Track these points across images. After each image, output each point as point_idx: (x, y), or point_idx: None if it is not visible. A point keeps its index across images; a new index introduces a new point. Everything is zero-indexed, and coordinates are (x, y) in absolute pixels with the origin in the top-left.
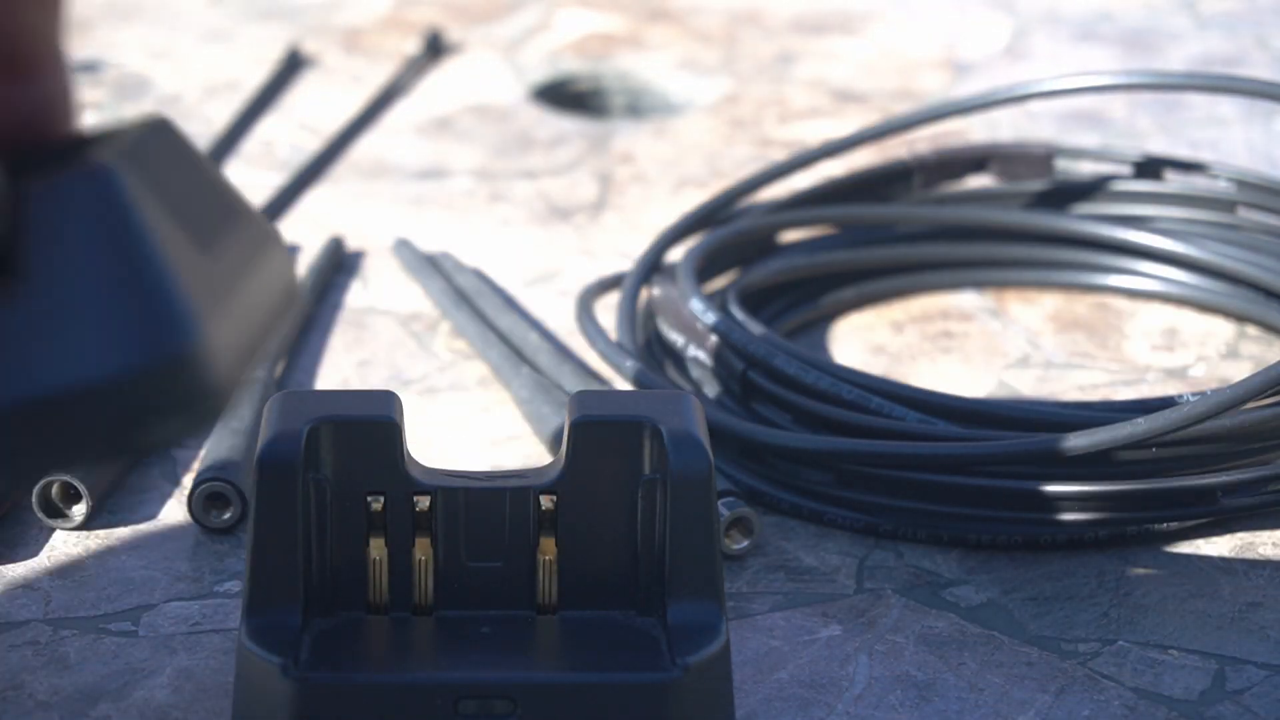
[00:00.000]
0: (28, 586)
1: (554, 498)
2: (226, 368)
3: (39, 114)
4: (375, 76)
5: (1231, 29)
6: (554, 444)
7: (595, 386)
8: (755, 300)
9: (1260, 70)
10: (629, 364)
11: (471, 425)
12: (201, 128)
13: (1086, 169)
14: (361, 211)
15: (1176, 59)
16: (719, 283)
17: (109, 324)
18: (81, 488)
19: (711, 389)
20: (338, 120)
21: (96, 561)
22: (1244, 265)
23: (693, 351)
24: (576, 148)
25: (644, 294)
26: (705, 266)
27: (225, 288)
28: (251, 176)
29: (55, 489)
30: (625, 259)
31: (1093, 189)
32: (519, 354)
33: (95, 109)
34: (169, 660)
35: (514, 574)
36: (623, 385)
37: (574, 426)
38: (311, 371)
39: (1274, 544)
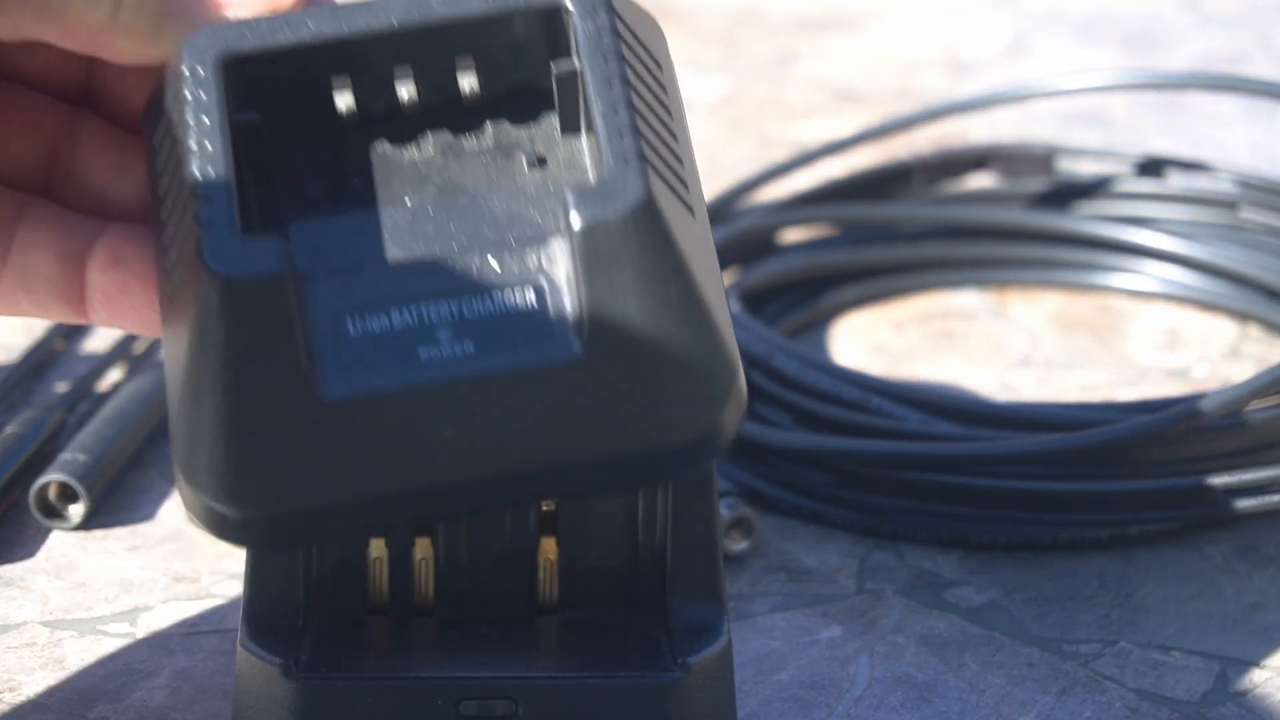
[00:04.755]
0: (25, 587)
1: (554, 499)
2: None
3: None
4: None
5: (1234, 28)
6: None
7: None
8: (755, 300)
9: (1263, 69)
10: None
11: None
12: None
13: (1088, 168)
14: None
15: (1178, 58)
16: None
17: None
18: (79, 488)
19: None
20: None
21: (94, 562)
22: (1246, 265)
23: None
24: None
25: None
26: None
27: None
28: None
29: (53, 489)
30: None
31: (1094, 188)
32: None
33: None
34: (167, 661)
35: (515, 575)
36: None
37: None
38: None
39: (1277, 545)
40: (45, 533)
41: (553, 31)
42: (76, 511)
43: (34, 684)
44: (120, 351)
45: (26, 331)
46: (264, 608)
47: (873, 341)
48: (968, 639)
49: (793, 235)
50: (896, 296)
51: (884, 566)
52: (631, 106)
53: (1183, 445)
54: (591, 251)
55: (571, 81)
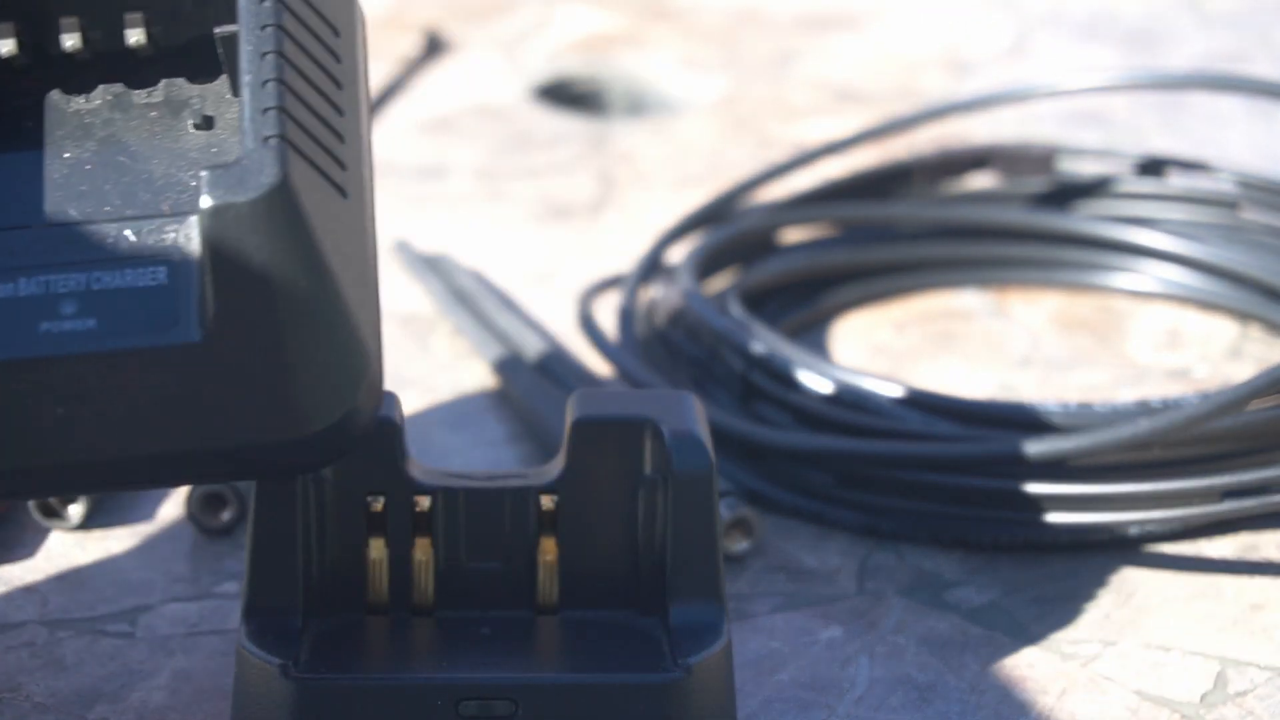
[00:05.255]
0: (24, 588)
1: (554, 498)
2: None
3: None
4: (374, 75)
5: (1234, 27)
6: (554, 444)
7: (595, 387)
8: (755, 300)
9: (1264, 69)
10: (629, 364)
11: (471, 425)
12: None
13: (1089, 168)
14: None
15: (1180, 58)
16: (719, 283)
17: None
18: None
19: (711, 389)
20: None
21: (93, 562)
22: (1247, 265)
23: (693, 352)
24: (576, 147)
25: (644, 294)
26: (705, 266)
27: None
28: None
29: None
30: (625, 259)
31: (1095, 188)
32: (519, 354)
33: None
34: (167, 662)
35: (514, 574)
36: (623, 385)
37: (574, 426)
38: None
39: (1277, 545)
40: (45, 533)
41: None
42: (76, 511)
43: (34, 684)
44: None
45: None
46: (264, 608)
47: (873, 341)
48: (968, 639)
49: (793, 235)
50: (896, 296)
51: (884, 566)
52: (281, 82)
53: (1183, 445)
54: (218, 235)
55: (233, 45)
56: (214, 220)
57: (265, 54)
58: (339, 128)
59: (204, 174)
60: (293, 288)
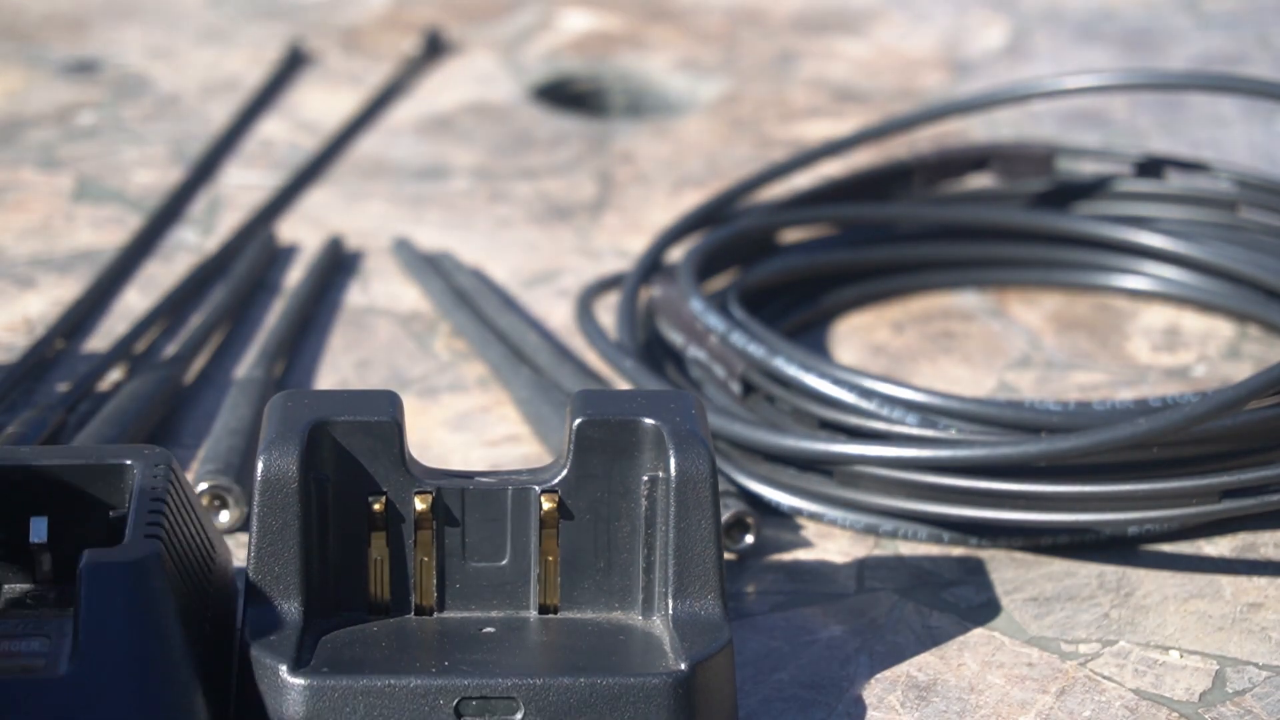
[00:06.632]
0: None
1: (556, 497)
2: None
3: None
4: (374, 76)
5: (1233, 28)
6: (554, 444)
7: (595, 386)
8: (755, 300)
9: (1262, 69)
10: (629, 364)
11: (471, 425)
12: (200, 127)
13: (1088, 168)
14: (360, 211)
15: (1178, 58)
16: (719, 283)
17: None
18: None
19: (711, 389)
20: (337, 119)
21: None
22: (1245, 265)
23: (693, 351)
24: (576, 148)
25: (644, 294)
26: (705, 266)
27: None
28: (250, 176)
29: None
30: (625, 259)
31: (1094, 188)
32: (519, 354)
33: (94, 108)
34: None
35: (516, 574)
36: (623, 385)
37: (575, 427)
38: (311, 371)
39: (1275, 544)
40: None
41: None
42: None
43: None
44: (120, 351)
45: (27, 331)
46: (266, 608)
47: (873, 341)
48: (967, 638)
49: (793, 235)
50: (896, 296)
51: (884, 566)
52: (162, 514)
53: (1181, 445)
54: (93, 589)
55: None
56: (91, 574)
57: (154, 499)
58: (208, 563)
59: (86, 552)
60: (143, 643)
